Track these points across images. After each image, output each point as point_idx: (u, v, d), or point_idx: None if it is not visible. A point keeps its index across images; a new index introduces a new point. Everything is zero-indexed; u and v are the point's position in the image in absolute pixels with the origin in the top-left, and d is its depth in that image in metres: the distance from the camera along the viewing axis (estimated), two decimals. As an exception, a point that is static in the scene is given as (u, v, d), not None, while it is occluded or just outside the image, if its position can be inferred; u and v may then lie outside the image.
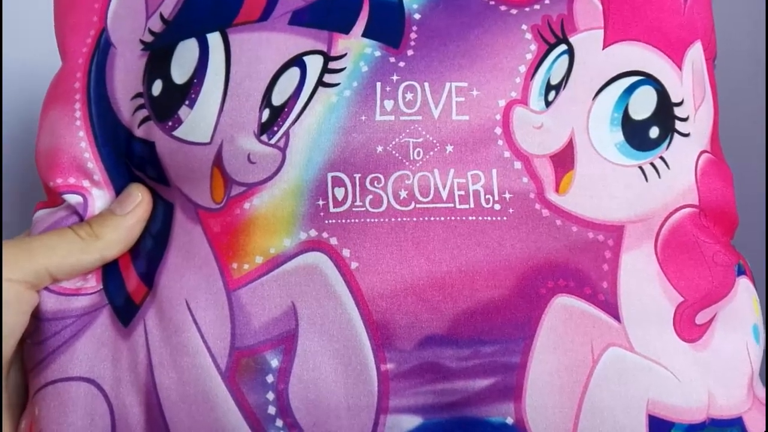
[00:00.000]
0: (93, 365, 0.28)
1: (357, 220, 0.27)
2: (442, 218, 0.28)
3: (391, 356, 0.27)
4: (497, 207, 0.28)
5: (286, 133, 0.28)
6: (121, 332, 0.29)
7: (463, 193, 0.28)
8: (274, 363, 0.27)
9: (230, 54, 0.29)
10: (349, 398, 0.27)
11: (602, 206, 0.29)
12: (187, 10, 0.30)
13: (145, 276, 0.29)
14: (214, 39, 0.29)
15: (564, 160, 0.29)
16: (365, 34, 0.29)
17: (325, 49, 0.29)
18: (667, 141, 0.30)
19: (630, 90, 0.30)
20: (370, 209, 0.27)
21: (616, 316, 0.28)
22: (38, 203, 0.32)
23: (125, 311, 0.29)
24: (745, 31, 0.52)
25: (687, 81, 0.31)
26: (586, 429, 0.27)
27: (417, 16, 0.30)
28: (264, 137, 0.28)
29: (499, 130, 0.28)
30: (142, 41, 0.31)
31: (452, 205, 0.28)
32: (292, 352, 0.27)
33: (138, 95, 0.30)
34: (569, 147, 0.29)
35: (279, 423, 0.27)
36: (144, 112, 0.30)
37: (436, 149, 0.28)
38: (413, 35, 0.29)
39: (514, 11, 0.30)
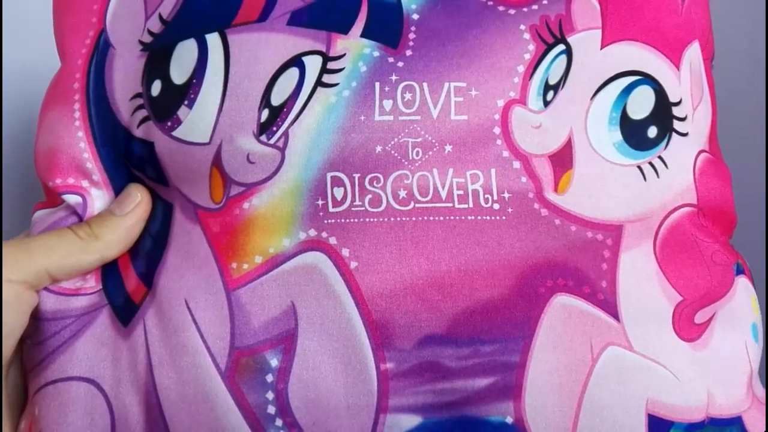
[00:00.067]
0: (93, 365, 0.28)
1: (356, 220, 0.27)
2: (441, 218, 0.28)
3: (391, 356, 0.27)
4: (496, 206, 0.28)
5: (285, 133, 0.28)
6: (121, 332, 0.29)
7: (462, 192, 0.28)
8: (274, 362, 0.27)
9: (229, 54, 0.29)
10: (349, 398, 0.27)
11: (601, 206, 0.29)
12: (186, 11, 0.30)
13: (145, 276, 0.29)
14: (213, 39, 0.29)
15: (562, 159, 0.29)
16: (364, 35, 0.29)
17: (323, 50, 0.29)
18: (666, 140, 0.30)
19: (628, 90, 0.30)
20: (370, 209, 0.28)
21: (615, 316, 0.28)
22: (37, 203, 0.32)
23: (125, 311, 0.29)
24: (744, 31, 0.52)
25: (685, 81, 0.31)
26: (585, 428, 0.27)
27: (415, 17, 0.30)
28: (263, 137, 0.28)
29: (497, 130, 0.28)
30: (141, 42, 0.31)
31: (451, 204, 0.28)
32: (291, 352, 0.27)
33: (137, 95, 0.30)
34: (568, 147, 0.29)
35: (279, 422, 0.27)
36: (143, 113, 0.30)
37: (435, 149, 0.28)
38: (412, 35, 0.29)
39: (512, 11, 0.30)
